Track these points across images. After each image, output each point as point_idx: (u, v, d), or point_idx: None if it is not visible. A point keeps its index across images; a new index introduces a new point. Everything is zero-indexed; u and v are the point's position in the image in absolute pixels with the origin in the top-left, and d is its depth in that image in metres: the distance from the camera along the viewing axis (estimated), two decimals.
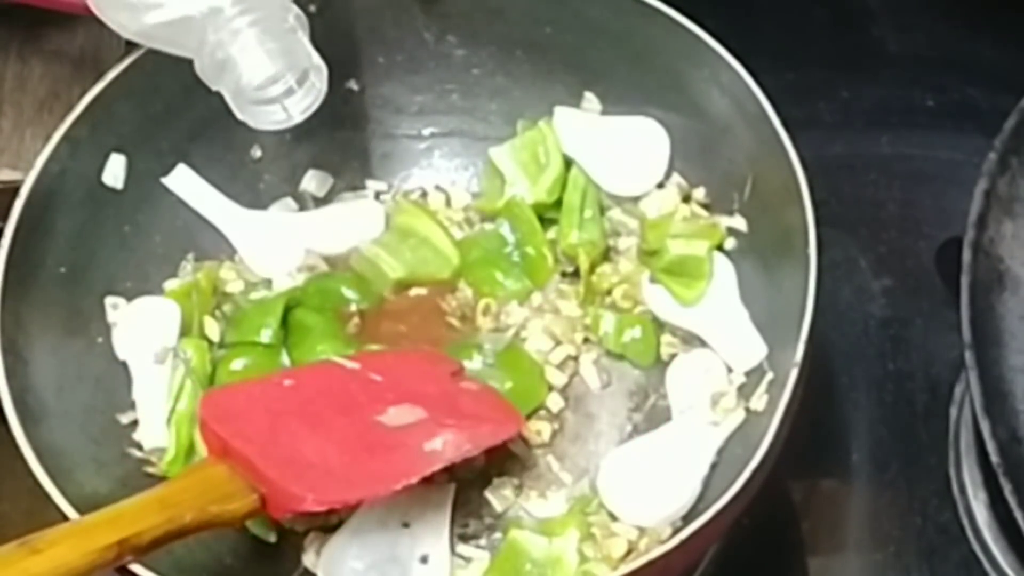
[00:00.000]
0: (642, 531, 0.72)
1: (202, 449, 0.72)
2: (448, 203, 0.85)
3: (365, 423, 0.70)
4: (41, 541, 0.57)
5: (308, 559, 0.73)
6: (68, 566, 0.57)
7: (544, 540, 0.71)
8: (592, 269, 0.80)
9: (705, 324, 0.77)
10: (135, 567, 0.62)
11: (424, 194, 0.85)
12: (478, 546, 0.73)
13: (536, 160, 0.81)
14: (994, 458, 0.71)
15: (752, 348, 0.75)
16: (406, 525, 0.71)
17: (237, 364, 0.77)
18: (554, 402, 0.77)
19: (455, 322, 0.80)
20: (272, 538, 0.73)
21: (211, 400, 0.71)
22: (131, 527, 0.59)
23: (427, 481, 0.70)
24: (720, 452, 0.73)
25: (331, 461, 0.67)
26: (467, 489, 0.74)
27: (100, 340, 0.76)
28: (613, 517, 0.73)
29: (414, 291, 0.81)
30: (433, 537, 0.72)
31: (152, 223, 0.79)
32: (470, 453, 0.70)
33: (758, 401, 0.72)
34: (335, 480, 0.66)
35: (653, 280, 0.78)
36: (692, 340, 0.78)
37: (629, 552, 0.71)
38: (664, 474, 0.72)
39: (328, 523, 0.73)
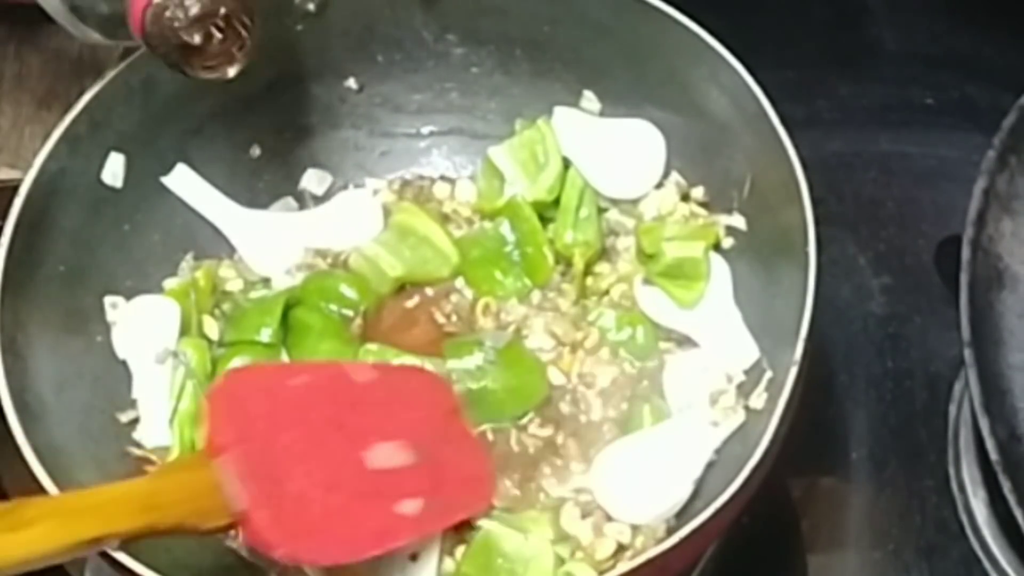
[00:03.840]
0: (637, 529, 0.72)
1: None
2: (453, 195, 0.85)
3: (351, 459, 0.69)
4: (21, 519, 0.56)
5: None
6: (42, 551, 0.56)
7: (518, 535, 0.71)
8: (588, 269, 0.80)
9: (697, 326, 0.77)
10: (135, 565, 0.62)
11: (431, 182, 0.85)
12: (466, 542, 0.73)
13: (535, 159, 0.81)
14: (993, 456, 0.71)
15: (744, 351, 0.75)
16: None
17: (237, 363, 0.77)
18: (554, 400, 0.77)
19: (455, 320, 0.80)
20: None
21: (219, 392, 0.69)
22: (110, 525, 0.59)
23: None
24: (719, 450, 0.73)
25: (311, 501, 0.66)
26: None
27: (99, 339, 0.76)
28: (609, 517, 0.73)
29: (414, 290, 0.81)
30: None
31: (151, 222, 0.79)
32: (434, 532, 0.70)
33: (757, 399, 0.72)
34: (309, 535, 0.65)
35: (646, 282, 0.79)
36: (689, 339, 0.78)
37: (617, 552, 0.71)
38: (657, 471, 0.72)
39: None
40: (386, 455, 0.70)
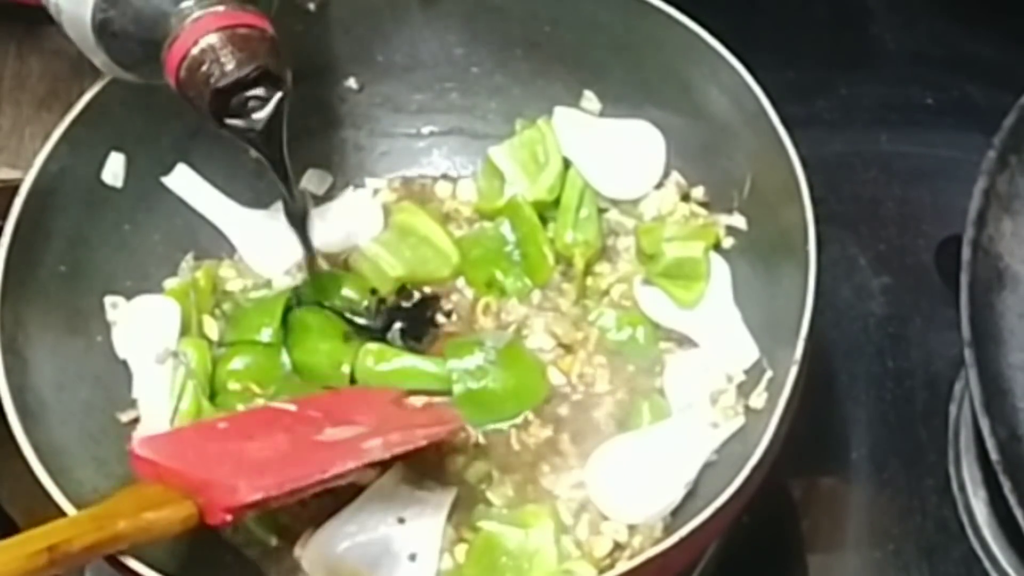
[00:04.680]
0: (634, 528, 0.72)
1: None
2: (453, 194, 0.85)
3: (303, 439, 0.69)
4: None
5: (298, 551, 0.73)
6: None
7: (519, 532, 0.71)
8: (588, 269, 0.80)
9: (697, 327, 0.77)
10: (135, 564, 0.62)
11: (432, 182, 0.85)
12: (466, 541, 0.73)
13: (535, 159, 0.81)
14: (993, 456, 0.71)
15: (744, 350, 0.75)
16: (402, 521, 0.71)
17: (237, 363, 0.77)
18: (554, 399, 0.77)
19: (455, 320, 0.80)
20: (273, 541, 0.73)
21: (144, 442, 0.69)
22: (61, 535, 0.59)
23: (428, 483, 0.70)
24: (719, 450, 0.73)
25: (269, 460, 0.66)
26: (469, 487, 0.74)
27: (100, 339, 0.76)
28: (604, 517, 0.73)
29: (414, 290, 0.81)
30: (426, 537, 0.72)
31: (152, 222, 0.79)
32: (408, 448, 0.69)
33: (757, 399, 0.73)
34: (270, 471, 0.65)
35: (646, 282, 0.79)
36: (689, 339, 0.78)
37: (614, 551, 0.72)
38: (651, 471, 0.72)
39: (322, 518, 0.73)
40: (339, 432, 0.70)
